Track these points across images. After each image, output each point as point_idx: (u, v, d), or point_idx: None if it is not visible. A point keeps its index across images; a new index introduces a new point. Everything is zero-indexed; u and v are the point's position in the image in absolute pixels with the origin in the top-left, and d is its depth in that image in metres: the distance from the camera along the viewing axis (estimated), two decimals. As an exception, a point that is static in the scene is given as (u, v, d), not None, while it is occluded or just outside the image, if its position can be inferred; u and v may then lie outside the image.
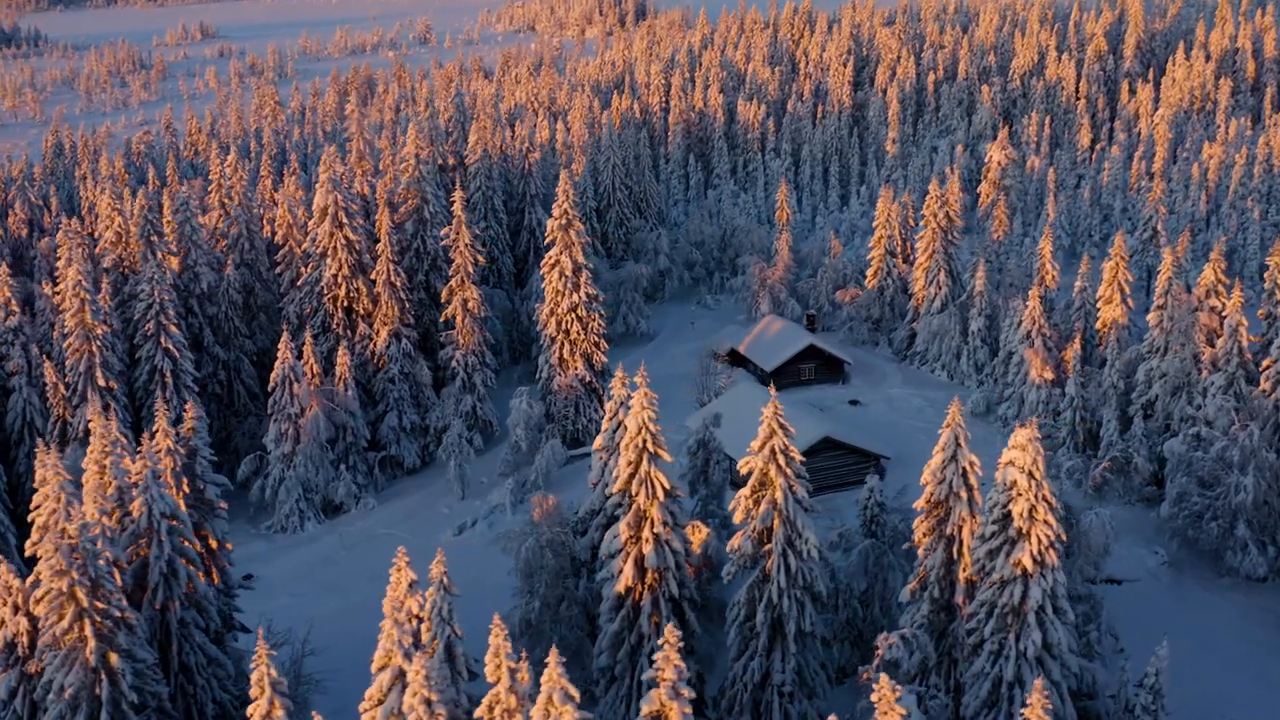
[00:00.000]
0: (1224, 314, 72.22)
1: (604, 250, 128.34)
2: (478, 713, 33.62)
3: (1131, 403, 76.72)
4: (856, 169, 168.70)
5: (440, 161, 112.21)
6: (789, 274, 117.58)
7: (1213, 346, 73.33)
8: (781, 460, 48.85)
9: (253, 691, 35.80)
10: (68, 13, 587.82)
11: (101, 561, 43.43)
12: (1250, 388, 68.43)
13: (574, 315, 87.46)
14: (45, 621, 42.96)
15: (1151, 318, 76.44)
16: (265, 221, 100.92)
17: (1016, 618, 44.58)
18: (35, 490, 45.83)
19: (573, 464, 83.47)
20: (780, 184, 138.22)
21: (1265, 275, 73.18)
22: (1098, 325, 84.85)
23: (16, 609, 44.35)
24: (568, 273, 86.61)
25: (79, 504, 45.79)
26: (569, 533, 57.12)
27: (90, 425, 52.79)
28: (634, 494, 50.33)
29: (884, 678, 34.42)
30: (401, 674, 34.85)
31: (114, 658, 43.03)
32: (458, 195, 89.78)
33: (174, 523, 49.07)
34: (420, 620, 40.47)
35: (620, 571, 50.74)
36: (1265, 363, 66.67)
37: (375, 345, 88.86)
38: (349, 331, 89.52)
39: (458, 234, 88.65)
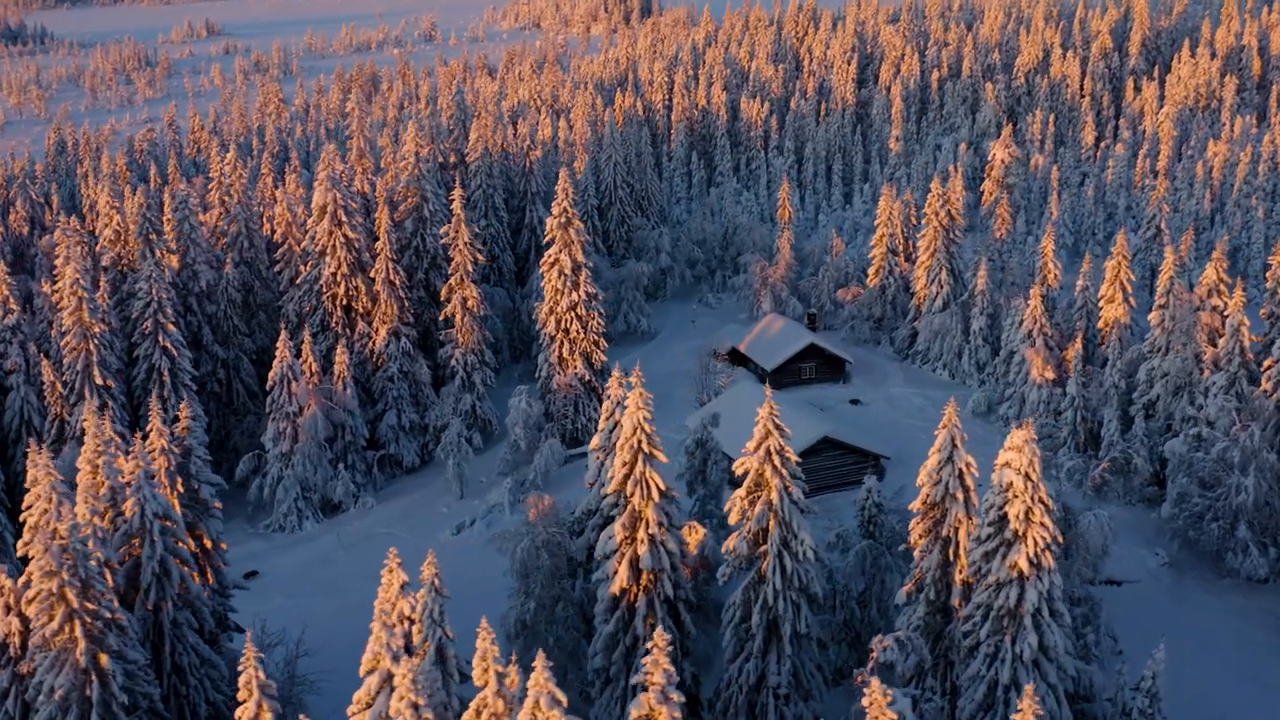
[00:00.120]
0: (1226, 313, 71.82)
1: (605, 248, 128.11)
2: (465, 717, 33.36)
3: (1133, 403, 76.35)
4: (860, 167, 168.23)
5: (441, 159, 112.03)
6: (791, 272, 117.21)
7: (1214, 346, 72.96)
8: (777, 461, 48.56)
9: (241, 694, 35.62)
10: (74, 10, 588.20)
11: (92, 562, 43.24)
12: (1252, 388, 68.04)
13: (573, 314, 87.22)
14: (36, 622, 42.78)
15: (1153, 317, 76.03)
16: (265, 220, 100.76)
17: (1012, 620, 44.27)
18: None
19: (572, 463, 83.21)
20: (782, 182, 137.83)
21: (1268, 275, 72.81)
22: (1100, 324, 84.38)
23: (9, 609, 44.21)
24: (567, 271, 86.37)
25: (71, 504, 45.62)
26: (565, 533, 56.87)
27: (84, 425, 52.62)
28: (629, 495, 50.06)
29: (875, 681, 34.14)
30: (389, 677, 34.63)
31: (104, 659, 42.84)
32: (457, 193, 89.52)
33: (167, 523, 48.86)
34: (412, 622, 40.17)
35: (615, 573, 50.47)
36: (1267, 363, 66.32)
37: (374, 344, 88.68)
38: (348, 330, 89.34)
39: (457, 232, 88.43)
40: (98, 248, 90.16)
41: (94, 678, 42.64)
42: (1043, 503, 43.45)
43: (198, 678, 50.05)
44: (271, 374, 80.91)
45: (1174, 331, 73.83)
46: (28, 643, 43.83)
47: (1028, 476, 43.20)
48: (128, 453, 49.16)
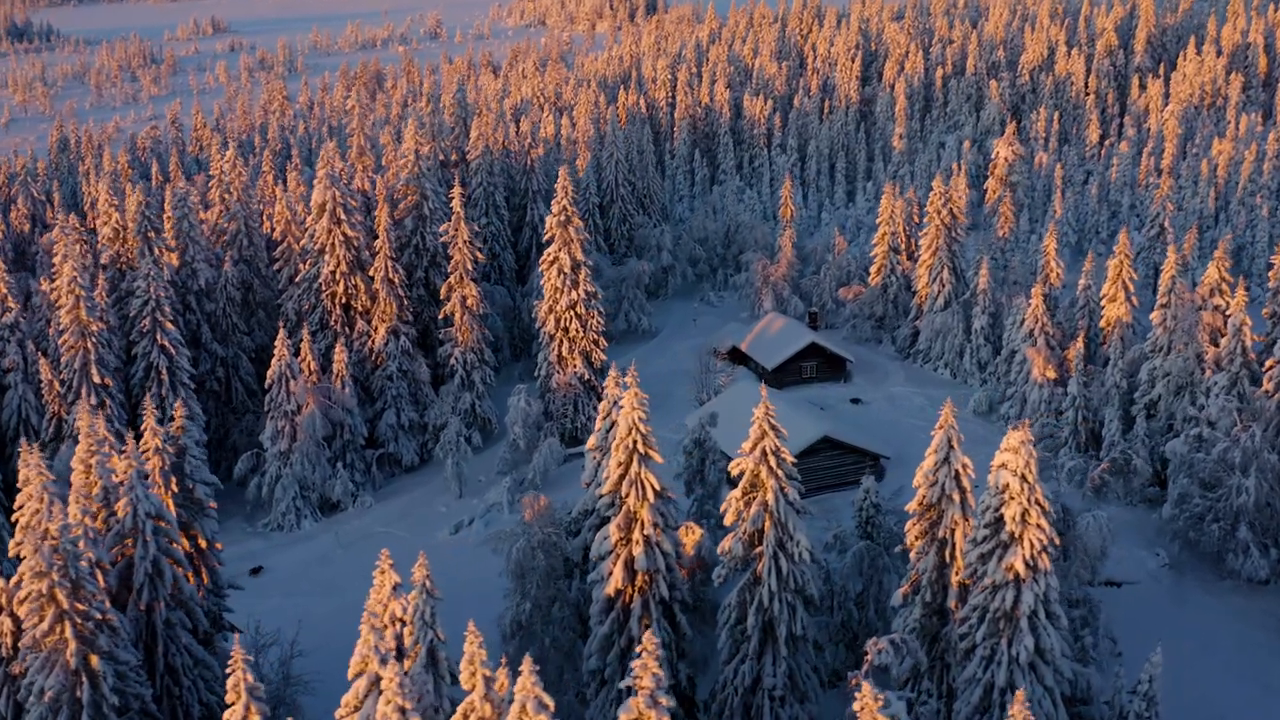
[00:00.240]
0: (1228, 313, 71.39)
1: (607, 247, 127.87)
2: (452, 720, 33.15)
3: (1134, 402, 75.96)
4: (863, 165, 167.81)
5: (442, 157, 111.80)
6: (793, 271, 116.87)
7: (1216, 346, 72.52)
8: (773, 462, 48.29)
9: (229, 697, 35.35)
10: (81, 7, 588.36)
11: (83, 563, 43.04)
12: (1254, 388, 67.61)
13: (573, 312, 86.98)
14: (27, 623, 42.62)
15: (1155, 316, 75.60)
16: (265, 218, 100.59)
17: (1009, 623, 43.93)
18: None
19: (571, 462, 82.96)
20: (785, 180, 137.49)
21: (1270, 274, 72.37)
22: (1102, 324, 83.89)
23: (1, 609, 44.02)
24: (566, 270, 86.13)
25: (64, 504, 45.43)
26: (562, 533, 56.63)
27: (78, 424, 52.45)
28: (624, 496, 49.78)
29: (867, 685, 33.84)
30: (378, 680, 34.37)
31: (95, 660, 42.66)
32: (456, 191, 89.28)
33: (160, 523, 48.67)
34: (404, 624, 39.96)
35: (610, 574, 50.24)
36: (1268, 363, 65.87)
37: (373, 342, 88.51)
38: (347, 329, 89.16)
39: (456, 230, 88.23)
40: (97, 245, 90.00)
41: (84, 679, 42.47)
42: (1039, 504, 43.11)
43: (191, 678, 49.84)
44: (270, 372, 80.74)
45: (1176, 331, 73.42)
46: (19, 643, 43.67)
47: (1024, 478, 42.85)
48: (123, 452, 48.96)
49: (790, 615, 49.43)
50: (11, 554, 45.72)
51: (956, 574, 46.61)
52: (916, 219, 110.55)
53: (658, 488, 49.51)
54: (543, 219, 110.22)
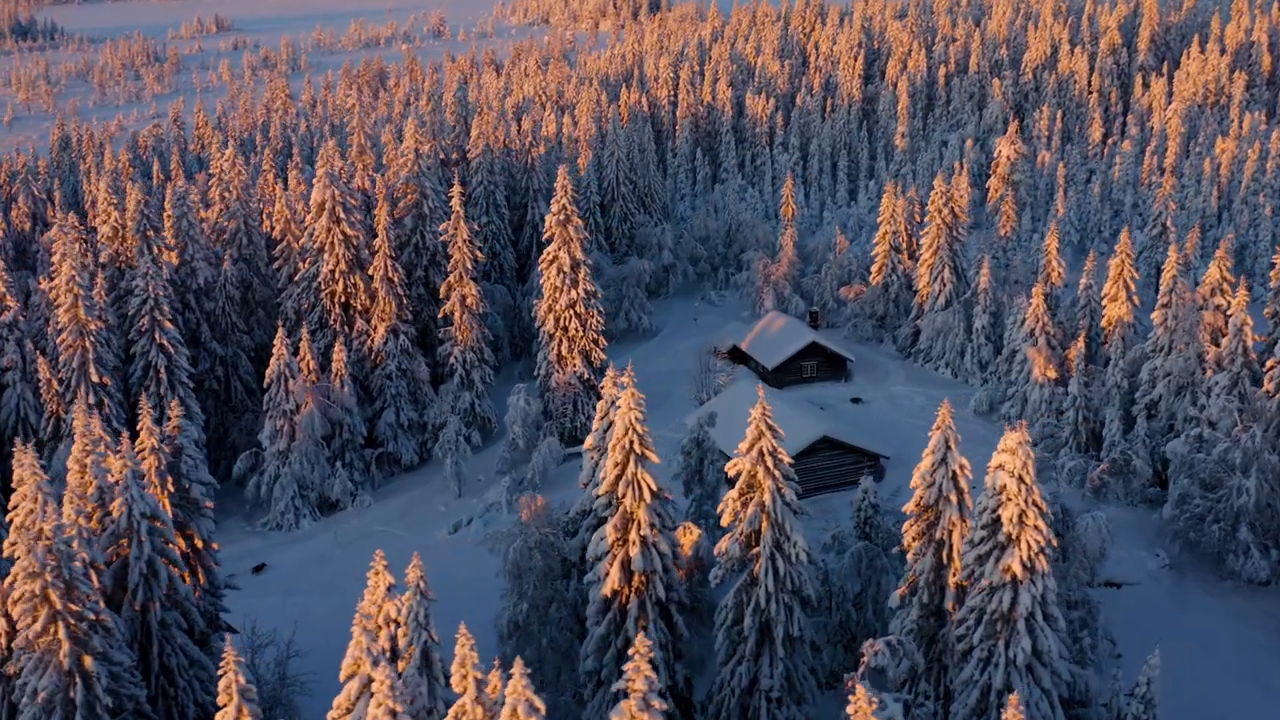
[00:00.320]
0: (1229, 313, 71.08)
1: (608, 245, 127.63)
2: (444, 723, 32.98)
3: (1135, 403, 75.66)
4: (865, 163, 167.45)
5: (443, 156, 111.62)
6: (794, 270, 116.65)
7: (1218, 346, 72.25)
8: (770, 462, 48.11)
9: (220, 699, 35.14)
10: (85, 6, 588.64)
11: (77, 563, 42.93)
12: (1255, 388, 67.32)
13: (572, 311, 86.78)
14: (20, 624, 42.51)
15: (1156, 316, 75.27)
16: (265, 216, 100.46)
17: (1006, 624, 43.71)
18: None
19: (570, 462, 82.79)
20: (786, 179, 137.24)
21: (1272, 273, 72.07)
22: (1103, 323, 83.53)
23: (-7, 610, 43.99)
24: (566, 269, 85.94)
25: (58, 504, 45.30)
26: (559, 534, 56.48)
27: (74, 424, 52.34)
28: (621, 496, 49.64)
29: (860, 689, 33.60)
30: (369, 682, 34.18)
31: (88, 661, 42.56)
32: (455, 190, 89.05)
33: (155, 523, 48.58)
34: (399, 625, 39.80)
35: (607, 574, 50.10)
36: (1269, 363, 65.58)
37: (373, 341, 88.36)
38: (346, 327, 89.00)
39: (456, 229, 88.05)
40: (96, 244, 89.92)
41: (78, 680, 42.38)
42: (1036, 505, 42.89)
43: (186, 679, 49.75)
44: (268, 371, 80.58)
45: (1177, 331, 73.13)
46: (13, 644, 43.57)
47: (1021, 479, 42.64)
48: (118, 452, 48.82)
49: (787, 616, 49.25)
50: (5, 554, 45.64)
51: (954, 575, 46.41)
52: (918, 218, 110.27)
53: (654, 488, 49.34)
54: (543, 218, 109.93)
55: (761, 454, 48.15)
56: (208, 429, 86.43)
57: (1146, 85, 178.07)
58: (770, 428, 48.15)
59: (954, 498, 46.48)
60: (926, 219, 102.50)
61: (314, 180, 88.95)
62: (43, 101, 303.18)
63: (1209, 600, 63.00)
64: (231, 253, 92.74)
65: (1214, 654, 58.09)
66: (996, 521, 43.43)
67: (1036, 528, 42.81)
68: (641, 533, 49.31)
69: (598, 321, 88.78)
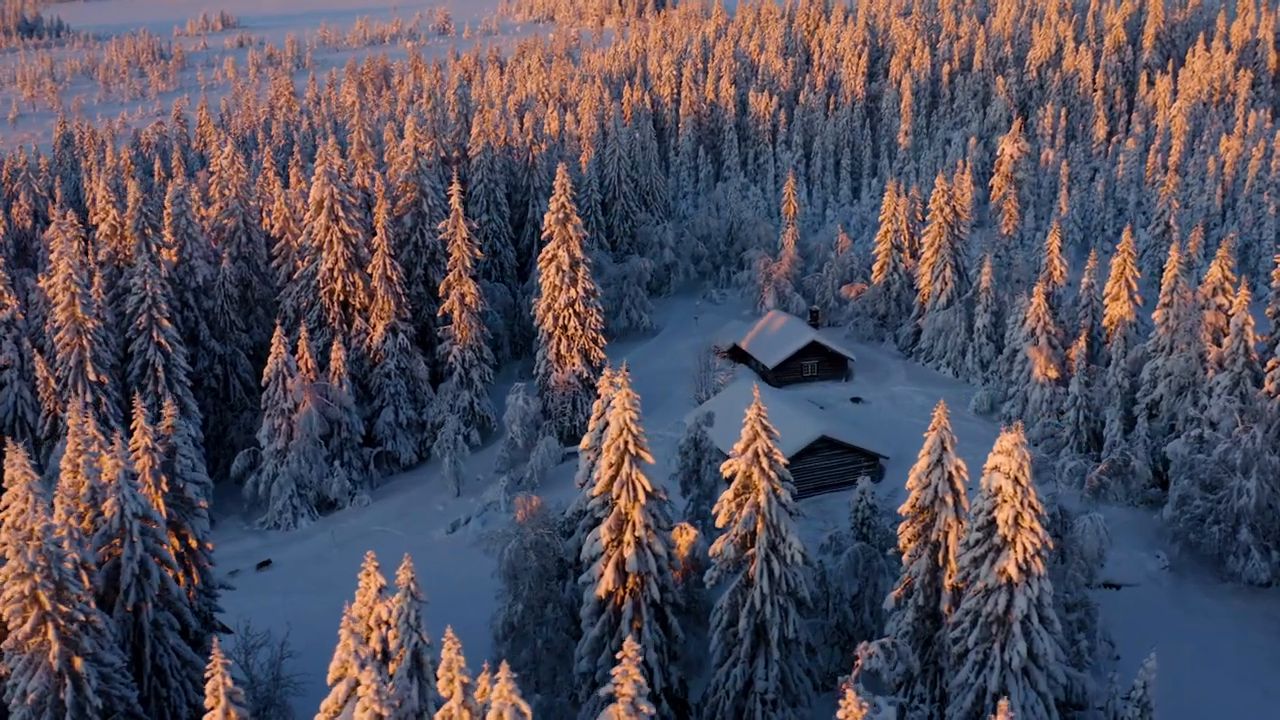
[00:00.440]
0: (1230, 312, 70.68)
1: (609, 244, 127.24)
2: (430, 727, 32.75)
3: (1136, 403, 75.27)
4: (869, 161, 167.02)
5: (443, 154, 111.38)
6: (795, 268, 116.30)
7: (1219, 345, 71.84)
8: (765, 463, 47.85)
9: (207, 702, 34.99)
10: (91, 3, 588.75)
11: (68, 564, 42.73)
12: (1256, 389, 66.92)
13: (571, 310, 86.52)
14: (10, 625, 42.33)
15: (1157, 315, 74.82)
16: (265, 214, 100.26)
17: (1001, 627, 43.44)
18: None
19: (569, 461, 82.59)
20: (788, 177, 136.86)
21: (1274, 273, 71.68)
22: (1104, 323, 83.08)
23: (-17, 610, 43.77)
24: (565, 267, 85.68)
25: (50, 504, 45.11)
26: (555, 534, 56.24)
27: (69, 423, 52.15)
28: (615, 497, 49.44)
29: (851, 693, 33.34)
30: (357, 685, 33.96)
31: (78, 662, 42.37)
32: (454, 188, 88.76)
33: (147, 523, 48.37)
34: (390, 627, 39.61)
35: (601, 575, 49.88)
36: (1270, 363, 65.23)
37: (371, 340, 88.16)
38: (345, 326, 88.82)
39: (455, 228, 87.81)
40: (96, 242, 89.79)
41: (68, 681, 42.20)
42: (1032, 507, 42.60)
43: (179, 679, 49.56)
44: (266, 370, 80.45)
45: (1178, 330, 72.70)
46: (2, 645, 43.37)
47: (1017, 481, 42.37)
48: (111, 451, 48.61)
49: (782, 618, 49.00)
50: (-2, 554, 45.52)
51: (950, 577, 46.12)
52: (920, 216, 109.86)
53: (649, 489, 49.09)
54: (544, 216, 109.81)
55: (757, 455, 47.90)
56: (206, 427, 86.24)
57: (1151, 83, 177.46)
58: (766, 428, 47.89)
59: (950, 499, 46.20)
60: (928, 217, 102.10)
61: (313, 178, 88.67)
62: (47, 99, 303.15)
63: (1209, 602, 62.66)
64: (230, 251, 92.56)
65: (1214, 656, 57.76)
66: (992, 524, 43.15)
67: (1032, 530, 42.52)
68: (636, 534, 49.08)
69: (597, 320, 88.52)
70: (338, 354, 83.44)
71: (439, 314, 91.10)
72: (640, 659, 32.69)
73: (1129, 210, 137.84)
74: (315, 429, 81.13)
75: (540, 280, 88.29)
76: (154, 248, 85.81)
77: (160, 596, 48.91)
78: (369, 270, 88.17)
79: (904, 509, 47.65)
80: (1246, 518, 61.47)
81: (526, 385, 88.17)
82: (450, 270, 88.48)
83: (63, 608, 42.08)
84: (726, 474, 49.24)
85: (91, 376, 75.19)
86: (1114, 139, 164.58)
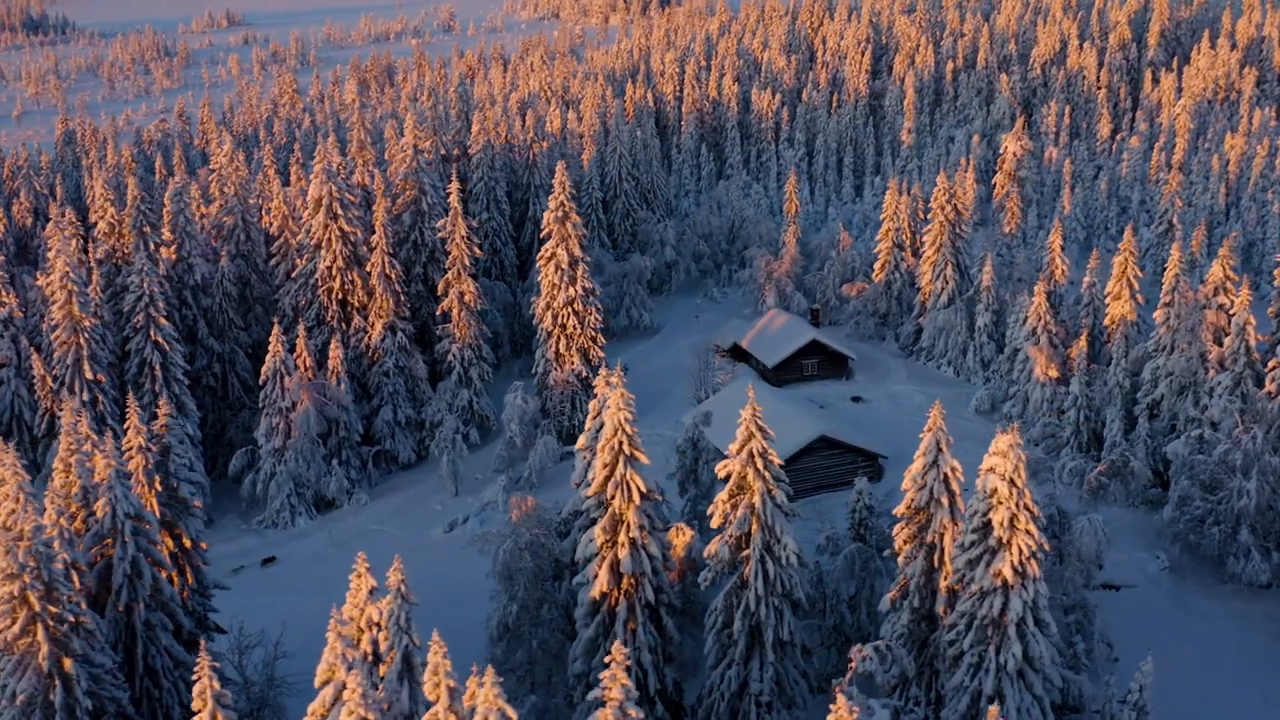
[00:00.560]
0: (1231, 312, 70.27)
1: (610, 242, 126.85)
2: (417, 732, 32.52)
3: (1137, 402, 74.87)
4: (871, 159, 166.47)
5: (444, 152, 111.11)
6: (796, 267, 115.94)
7: (1220, 345, 71.44)
8: (760, 464, 47.60)
9: (195, 704, 34.78)
10: (97, 0, 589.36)
11: (58, 564, 42.53)
12: (1257, 389, 66.50)
13: (570, 309, 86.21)
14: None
15: (1158, 315, 74.42)
16: (265, 212, 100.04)
17: (996, 630, 43.15)
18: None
19: (567, 460, 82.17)
20: (790, 175, 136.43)
21: (1276, 272, 71.26)
22: (1106, 322, 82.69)
23: (-26, 611, 43.56)
24: (564, 266, 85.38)
25: (39, 504, 44.96)
26: (550, 534, 56.01)
27: (63, 422, 52.01)
28: (610, 497, 49.19)
29: (841, 698, 33.06)
30: (344, 688, 33.71)
31: (68, 663, 42.14)
32: (453, 186, 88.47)
33: (139, 523, 48.17)
34: (380, 628, 39.39)
35: (595, 576, 49.72)
36: (1271, 363, 64.82)
37: (370, 338, 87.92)
38: (344, 324, 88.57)
39: (453, 226, 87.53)
40: (94, 240, 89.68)
41: (57, 682, 41.96)
42: (1028, 509, 42.30)
43: (171, 680, 49.34)
44: (264, 369, 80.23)
45: (1179, 330, 72.28)
46: (-8, 646, 43.25)
47: (1012, 482, 42.08)
48: (103, 450, 48.39)
49: (777, 620, 48.75)
50: (-13, 555, 45.30)
51: (945, 579, 45.82)
52: (922, 215, 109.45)
53: (644, 489, 48.84)
54: (544, 214, 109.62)
55: (752, 455, 47.65)
56: (204, 426, 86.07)
57: (1156, 81, 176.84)
58: (760, 429, 47.63)
59: (945, 500, 45.90)
60: (930, 216, 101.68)
61: (311, 176, 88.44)
62: (52, 96, 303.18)
63: (1209, 603, 62.29)
64: (229, 249, 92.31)
65: (1213, 658, 57.42)
66: (987, 525, 42.84)
67: (1028, 532, 42.23)
68: (631, 534, 48.85)
69: (596, 319, 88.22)
70: (336, 352, 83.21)
71: (438, 312, 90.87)
72: (629, 663, 32.47)
73: (1132, 209, 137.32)
74: (313, 428, 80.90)
75: (539, 279, 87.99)
76: (152, 246, 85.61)
77: (153, 597, 48.72)
78: (367, 268, 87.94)
79: (899, 510, 47.40)
80: (1247, 519, 61.09)
81: (525, 384, 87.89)
82: (449, 269, 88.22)
83: (52, 608, 41.86)
84: (721, 474, 48.98)
85: (88, 375, 75.01)
86: (1118, 137, 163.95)
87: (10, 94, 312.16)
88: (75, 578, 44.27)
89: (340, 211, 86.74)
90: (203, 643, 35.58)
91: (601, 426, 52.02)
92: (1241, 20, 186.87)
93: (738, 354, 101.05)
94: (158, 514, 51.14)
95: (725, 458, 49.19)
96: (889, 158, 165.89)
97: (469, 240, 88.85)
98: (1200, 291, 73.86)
